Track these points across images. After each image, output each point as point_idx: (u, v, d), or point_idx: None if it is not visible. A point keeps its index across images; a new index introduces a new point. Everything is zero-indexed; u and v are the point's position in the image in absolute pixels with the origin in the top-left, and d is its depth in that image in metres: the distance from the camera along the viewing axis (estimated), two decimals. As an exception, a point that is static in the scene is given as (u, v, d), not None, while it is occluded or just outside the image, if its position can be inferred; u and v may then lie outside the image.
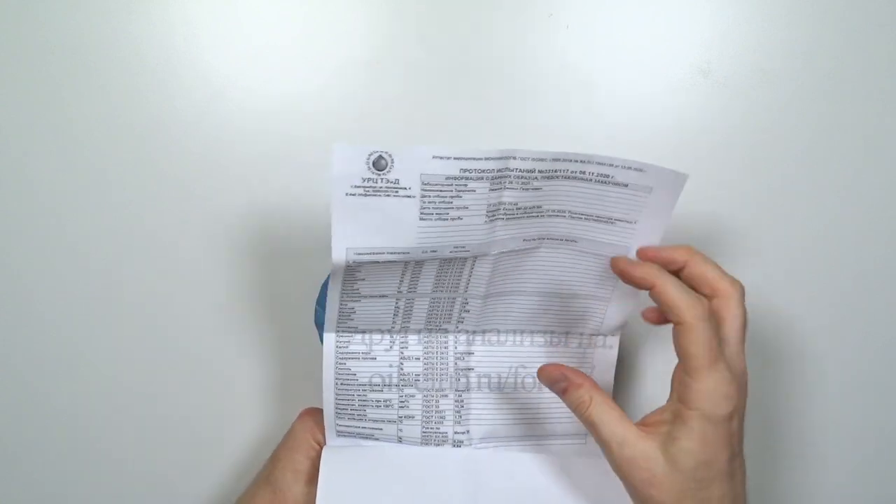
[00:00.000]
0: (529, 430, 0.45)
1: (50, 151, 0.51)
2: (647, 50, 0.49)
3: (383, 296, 0.41)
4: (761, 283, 0.50)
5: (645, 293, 0.39)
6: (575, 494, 0.43)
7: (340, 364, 0.43)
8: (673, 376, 0.37)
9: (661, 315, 0.39)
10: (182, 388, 0.52)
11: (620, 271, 0.40)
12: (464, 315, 0.43)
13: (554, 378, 0.40)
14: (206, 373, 0.52)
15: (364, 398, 0.43)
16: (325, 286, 0.45)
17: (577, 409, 0.39)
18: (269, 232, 0.51)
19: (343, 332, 0.42)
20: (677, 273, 0.39)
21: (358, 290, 0.41)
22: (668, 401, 0.37)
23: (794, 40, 0.49)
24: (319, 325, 0.45)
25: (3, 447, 0.53)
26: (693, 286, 0.38)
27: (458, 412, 0.44)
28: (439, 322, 0.43)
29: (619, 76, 0.49)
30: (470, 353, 0.44)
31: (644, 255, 0.40)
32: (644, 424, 0.38)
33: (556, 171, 0.38)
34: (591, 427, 0.38)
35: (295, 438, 0.45)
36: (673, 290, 0.37)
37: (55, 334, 0.52)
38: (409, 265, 0.40)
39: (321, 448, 0.44)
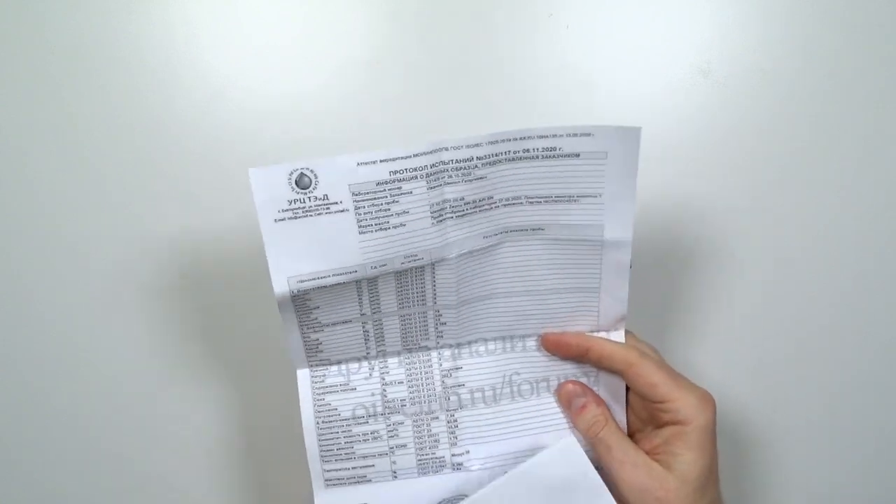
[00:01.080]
0: (531, 442, 0.41)
1: (50, 151, 0.51)
2: (647, 50, 0.49)
3: (346, 321, 0.38)
4: (761, 282, 0.50)
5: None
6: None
7: (319, 400, 0.40)
8: (648, 413, 0.39)
9: (560, 345, 0.40)
10: (182, 388, 0.52)
11: (554, 343, 0.40)
12: (441, 328, 0.40)
13: (574, 392, 0.40)
14: (207, 373, 0.52)
15: (349, 434, 0.40)
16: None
17: (592, 428, 0.39)
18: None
19: (316, 365, 0.40)
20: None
21: (316, 319, 0.38)
22: (644, 432, 0.40)
23: (794, 40, 0.49)
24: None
25: (3, 447, 0.53)
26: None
27: (452, 433, 0.41)
28: (417, 340, 0.40)
29: (619, 76, 0.49)
30: (458, 369, 0.41)
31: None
32: None
33: (496, 154, 0.35)
34: (604, 448, 0.39)
35: None
36: (609, 345, 0.39)
37: (55, 334, 0.52)
38: (363, 284, 0.37)
39: None
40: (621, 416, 0.41)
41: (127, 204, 0.51)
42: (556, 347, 0.40)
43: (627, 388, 0.41)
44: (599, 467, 0.39)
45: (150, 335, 0.52)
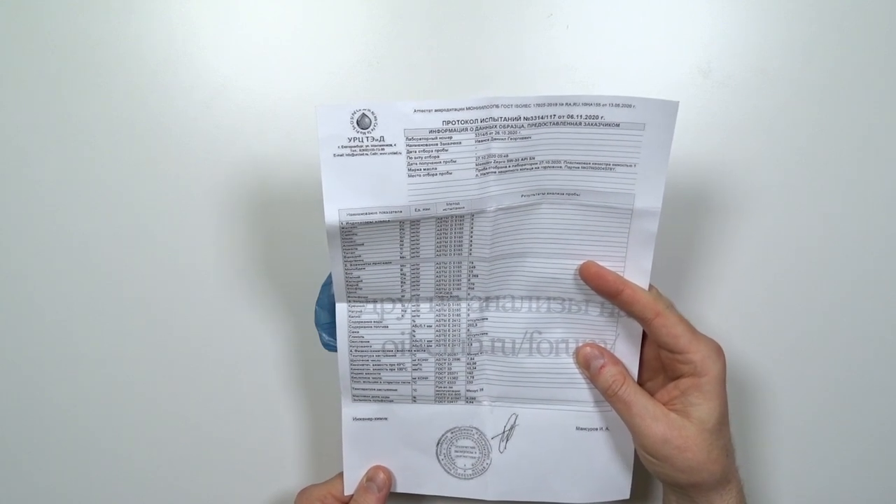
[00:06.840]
0: (544, 393, 0.45)
1: (50, 150, 0.51)
2: (647, 50, 0.49)
3: (387, 262, 0.41)
4: (761, 281, 0.50)
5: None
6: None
7: (353, 332, 0.43)
8: (664, 364, 0.42)
9: (598, 277, 0.41)
10: (182, 387, 0.53)
11: (594, 274, 0.41)
12: (473, 280, 0.42)
13: (593, 355, 0.43)
14: (207, 372, 0.52)
15: (378, 363, 0.44)
16: (324, 287, 0.45)
17: (611, 387, 0.42)
18: (270, 233, 0.51)
19: (354, 301, 0.43)
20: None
21: (360, 256, 0.41)
22: (660, 383, 0.43)
23: (794, 40, 0.48)
24: (319, 325, 0.45)
25: (3, 447, 0.53)
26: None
27: (470, 373, 0.45)
28: (449, 289, 0.43)
29: (619, 76, 0.49)
30: (483, 319, 0.44)
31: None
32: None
33: (542, 117, 0.37)
34: (623, 405, 0.41)
35: None
36: (641, 292, 0.41)
37: (55, 334, 0.52)
38: (406, 226, 0.40)
39: None
40: (634, 369, 0.44)
41: (127, 203, 0.51)
42: (594, 278, 0.41)
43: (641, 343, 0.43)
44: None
45: (150, 335, 0.52)
